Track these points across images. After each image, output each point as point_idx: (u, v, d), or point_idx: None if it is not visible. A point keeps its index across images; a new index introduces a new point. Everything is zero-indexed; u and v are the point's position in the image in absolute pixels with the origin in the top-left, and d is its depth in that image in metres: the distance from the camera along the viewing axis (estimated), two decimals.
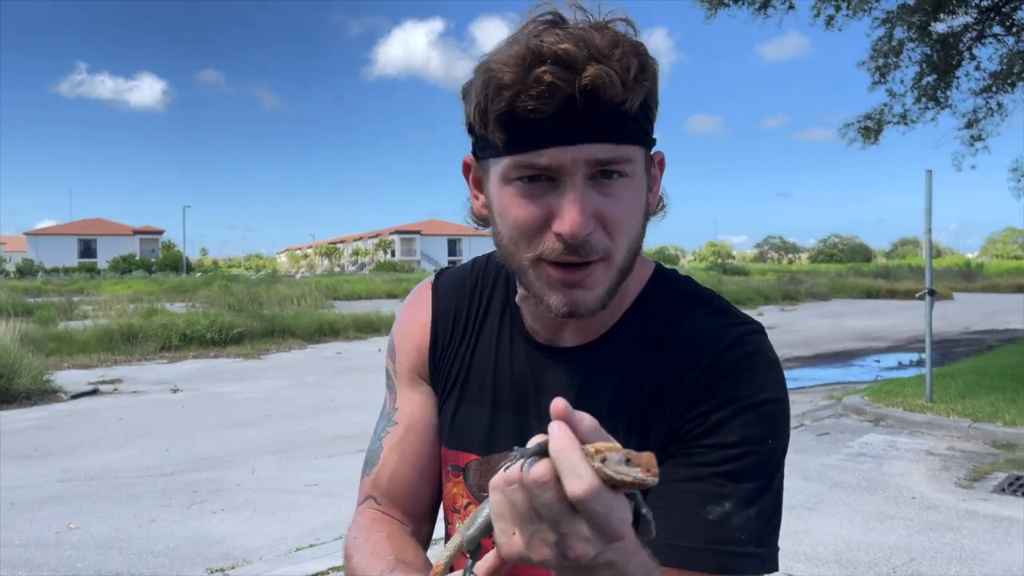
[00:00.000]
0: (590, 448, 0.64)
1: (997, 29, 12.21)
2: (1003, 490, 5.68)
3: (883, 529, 4.91)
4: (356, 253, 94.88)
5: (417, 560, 0.99)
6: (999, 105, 12.91)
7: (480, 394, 1.04)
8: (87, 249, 78.18)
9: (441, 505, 1.10)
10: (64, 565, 4.48)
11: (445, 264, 63.92)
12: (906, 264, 56.18)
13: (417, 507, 1.08)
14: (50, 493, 5.91)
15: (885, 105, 12.72)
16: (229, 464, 6.74)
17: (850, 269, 54.56)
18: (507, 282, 1.07)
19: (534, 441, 0.66)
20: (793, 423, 8.14)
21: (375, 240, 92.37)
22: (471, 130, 0.90)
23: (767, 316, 24.29)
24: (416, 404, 1.09)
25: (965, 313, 24.44)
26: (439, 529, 1.10)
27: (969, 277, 45.58)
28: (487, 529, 0.72)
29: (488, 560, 0.76)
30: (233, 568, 4.41)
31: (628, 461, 0.63)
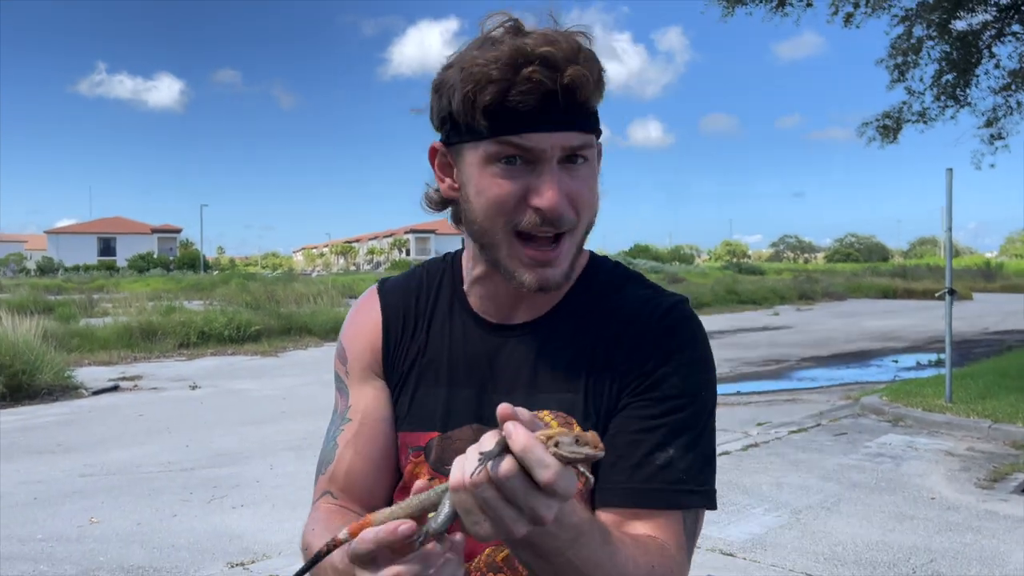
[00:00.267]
0: (541, 436, 0.74)
1: (1016, 27, 12.10)
2: (1023, 491, 5.65)
3: (903, 529, 4.89)
4: (371, 252, 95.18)
5: None
6: (1019, 103, 12.81)
7: (436, 378, 1.11)
8: (107, 247, 78.83)
9: (397, 488, 1.12)
10: (86, 559, 4.54)
11: None
12: (924, 264, 55.74)
13: (374, 500, 1.10)
14: (72, 488, 5.99)
15: (904, 103, 12.66)
16: (248, 460, 6.80)
17: (867, 269, 54.10)
18: (452, 276, 1.16)
19: (490, 443, 0.75)
20: (810, 422, 8.13)
21: (390, 239, 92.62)
22: (448, 118, 0.99)
23: (783, 316, 24.12)
24: (370, 398, 1.13)
25: (984, 313, 24.23)
26: None
27: (988, 277, 45.22)
28: (452, 519, 0.79)
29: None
30: (253, 562, 4.46)
31: (577, 441, 0.74)
